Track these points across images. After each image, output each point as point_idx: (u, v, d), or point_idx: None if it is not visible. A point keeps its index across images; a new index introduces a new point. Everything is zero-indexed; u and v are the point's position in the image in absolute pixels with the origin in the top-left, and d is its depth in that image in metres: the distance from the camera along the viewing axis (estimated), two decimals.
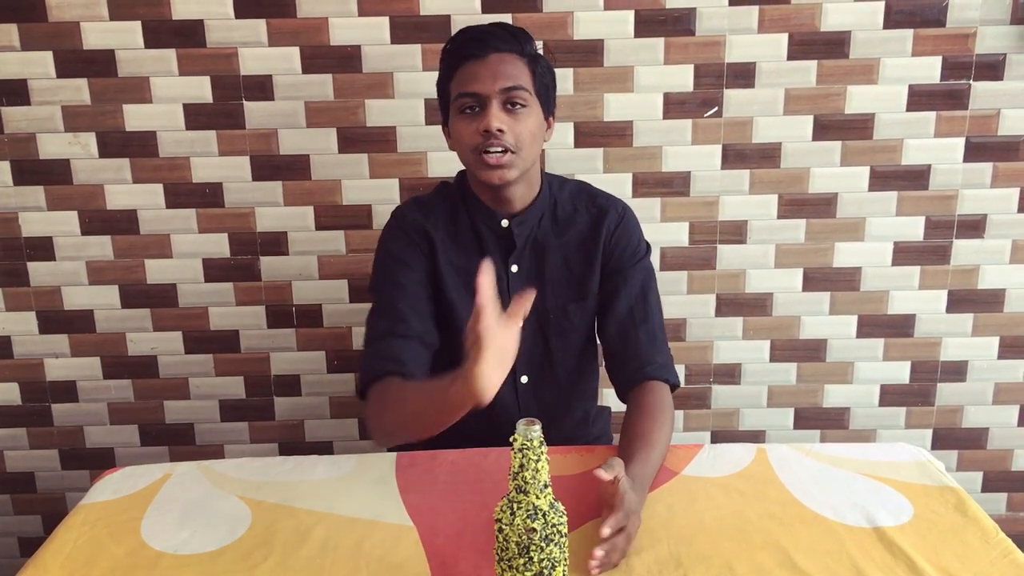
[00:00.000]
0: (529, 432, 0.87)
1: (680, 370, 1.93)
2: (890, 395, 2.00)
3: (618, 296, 1.43)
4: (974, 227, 1.88)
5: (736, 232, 1.89)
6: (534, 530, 0.87)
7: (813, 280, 1.91)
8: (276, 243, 1.87)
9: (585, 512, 1.14)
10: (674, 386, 1.39)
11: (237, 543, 1.11)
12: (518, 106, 1.32)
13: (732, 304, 1.93)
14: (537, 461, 0.87)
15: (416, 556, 1.07)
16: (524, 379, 1.48)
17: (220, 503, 1.21)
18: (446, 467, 1.30)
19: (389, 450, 1.56)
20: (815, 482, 1.24)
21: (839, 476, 1.26)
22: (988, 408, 2.00)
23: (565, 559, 0.90)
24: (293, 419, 1.98)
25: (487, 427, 1.40)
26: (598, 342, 1.50)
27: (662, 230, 1.88)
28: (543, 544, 0.88)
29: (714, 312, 1.94)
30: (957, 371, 1.98)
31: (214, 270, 1.89)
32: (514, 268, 1.43)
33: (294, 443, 1.99)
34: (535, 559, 0.88)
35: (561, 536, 0.89)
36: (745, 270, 1.91)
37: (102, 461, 1.99)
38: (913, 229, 1.88)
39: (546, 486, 0.89)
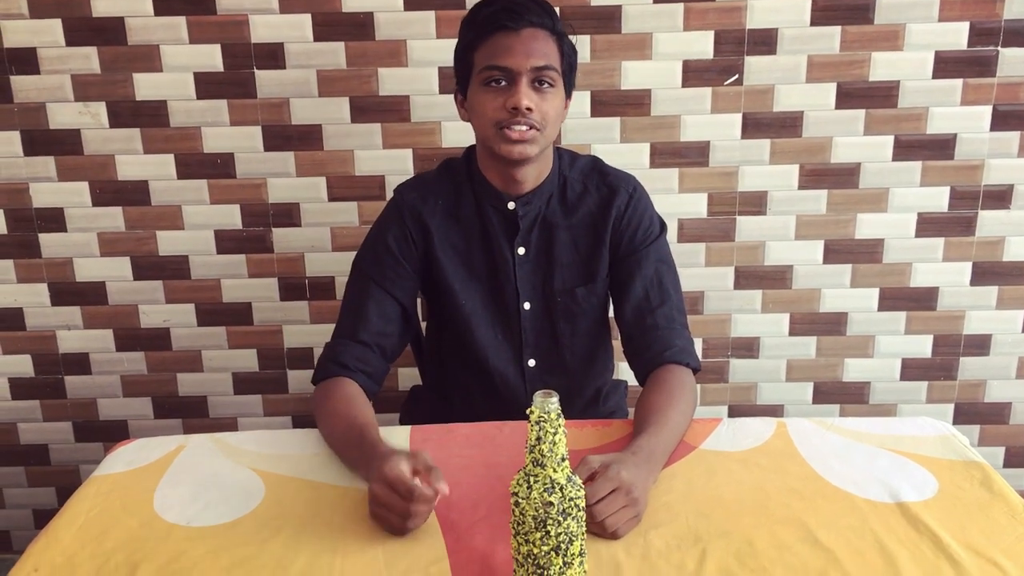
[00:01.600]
0: (546, 404, 0.85)
1: (697, 343, 1.91)
2: (912, 369, 1.97)
3: (633, 280, 1.39)
4: (1000, 198, 1.84)
5: (756, 203, 1.85)
6: (551, 504, 0.86)
7: (834, 252, 1.88)
8: (288, 214, 1.86)
9: None
10: (695, 369, 1.36)
11: (250, 515, 1.10)
12: (546, 85, 1.29)
13: (751, 277, 1.91)
14: (554, 434, 0.86)
15: (431, 530, 1.06)
16: (531, 362, 1.46)
17: (233, 475, 1.20)
18: (461, 440, 1.28)
19: (402, 423, 1.56)
20: (837, 457, 1.22)
21: (862, 451, 1.24)
22: (1011, 383, 1.97)
23: (583, 533, 0.89)
24: (307, 392, 1.97)
25: (495, 412, 1.39)
26: (615, 325, 1.47)
27: (680, 201, 1.85)
28: (560, 518, 0.86)
29: (732, 285, 1.92)
30: (980, 345, 1.95)
31: (226, 242, 1.87)
32: (521, 250, 1.41)
33: (308, 416, 1.98)
34: (552, 533, 0.86)
35: (579, 510, 0.88)
36: (764, 242, 1.88)
37: (116, 433, 1.99)
38: (937, 200, 1.85)
39: (563, 459, 0.87)
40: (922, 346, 1.95)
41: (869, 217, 1.86)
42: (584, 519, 0.90)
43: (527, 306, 1.43)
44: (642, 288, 1.39)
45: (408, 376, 1.95)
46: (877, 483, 1.15)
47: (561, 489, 0.86)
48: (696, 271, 1.90)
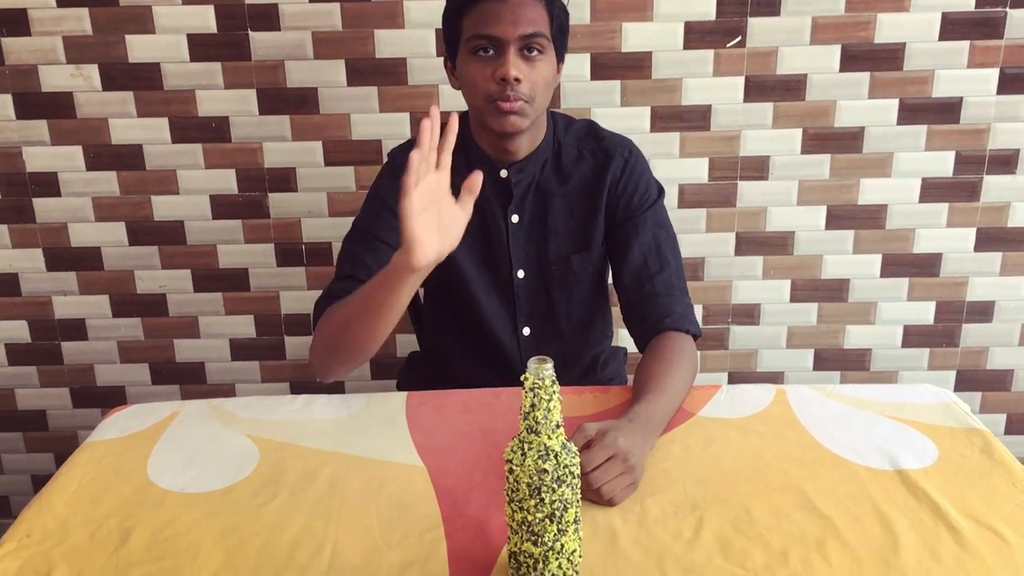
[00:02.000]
0: (541, 371, 0.84)
1: (697, 310, 1.89)
2: (913, 336, 1.96)
3: (631, 247, 1.37)
4: (1006, 162, 1.82)
5: (758, 168, 1.83)
6: (545, 471, 0.85)
7: (837, 218, 1.86)
8: (284, 179, 1.84)
9: None
10: (695, 336, 1.34)
11: (245, 482, 1.10)
12: (535, 52, 1.26)
13: (752, 243, 1.89)
14: (549, 401, 0.84)
15: (426, 496, 1.06)
16: (526, 331, 1.45)
17: (228, 442, 1.19)
18: (457, 407, 1.27)
19: (399, 389, 1.55)
20: (836, 424, 1.21)
21: (861, 418, 1.23)
22: (1014, 350, 1.96)
23: (577, 500, 0.88)
24: (304, 358, 1.97)
25: (492, 378, 1.38)
26: (614, 291, 1.45)
27: (680, 166, 1.83)
28: (555, 486, 0.85)
29: (733, 251, 1.90)
30: (983, 312, 1.93)
31: (222, 207, 1.85)
32: (514, 218, 1.39)
33: (305, 382, 1.98)
34: (546, 500, 0.85)
35: (573, 477, 0.87)
36: (766, 207, 1.86)
37: (113, 399, 1.99)
38: (942, 165, 1.82)
39: (558, 426, 0.86)
40: (924, 313, 1.94)
41: (872, 182, 1.83)
42: (579, 486, 0.89)
43: (520, 274, 1.42)
44: (640, 255, 1.37)
45: (406, 343, 1.94)
46: (877, 450, 1.14)
47: (556, 456, 0.85)
48: (696, 237, 1.88)
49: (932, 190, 1.84)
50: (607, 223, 1.40)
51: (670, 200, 1.83)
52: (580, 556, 0.90)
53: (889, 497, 1.04)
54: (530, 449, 0.86)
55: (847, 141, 1.80)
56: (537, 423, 0.85)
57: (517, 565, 0.89)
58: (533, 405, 0.85)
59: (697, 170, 1.83)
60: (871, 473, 1.10)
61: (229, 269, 1.90)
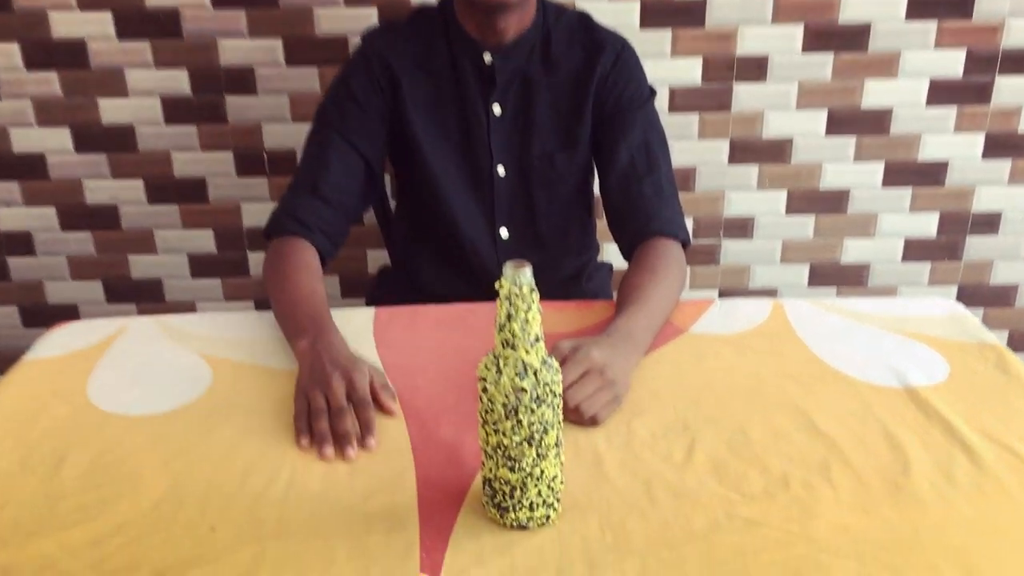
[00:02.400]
0: (517, 277, 0.75)
1: (688, 223, 1.82)
2: (914, 249, 1.89)
3: (618, 146, 1.29)
4: (1019, 61, 1.72)
5: (755, 69, 1.73)
6: (523, 390, 0.77)
7: (838, 123, 1.77)
8: (243, 80, 1.72)
9: None
10: (684, 243, 1.27)
11: (194, 404, 1.02)
12: None
13: (747, 150, 1.80)
14: (527, 311, 0.76)
15: (393, 421, 0.98)
16: (504, 233, 1.37)
17: (178, 361, 1.11)
18: (429, 323, 1.19)
19: (368, 304, 1.47)
20: (839, 340, 1.15)
21: (864, 333, 1.16)
22: (1020, 263, 1.89)
23: (558, 422, 0.81)
24: None
25: (467, 289, 1.32)
26: (599, 198, 1.37)
27: (672, 67, 1.72)
28: (533, 405, 0.78)
29: (727, 159, 1.81)
30: (988, 223, 1.86)
31: (175, 110, 1.74)
32: (496, 109, 1.30)
33: None
34: (524, 422, 0.78)
35: (554, 396, 0.79)
36: (763, 112, 1.76)
37: (65, 318, 1.89)
38: (953, 64, 1.72)
39: (537, 339, 0.78)
40: (927, 225, 1.86)
41: (877, 84, 1.74)
42: (560, 407, 0.81)
43: (501, 171, 1.33)
44: (628, 155, 1.29)
45: (377, 259, 1.85)
46: (882, 367, 1.08)
47: (535, 373, 0.78)
48: (688, 144, 1.79)
49: (940, 92, 1.75)
50: (594, 119, 1.31)
51: (660, 104, 1.73)
52: (562, 483, 0.83)
53: (897, 416, 0.98)
54: (506, 365, 0.78)
55: (851, 38, 1.70)
56: (514, 336, 0.77)
57: (492, 492, 0.82)
58: (509, 315, 0.77)
59: (690, 71, 1.73)
60: (877, 391, 1.03)
61: (185, 179, 1.79)
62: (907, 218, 1.86)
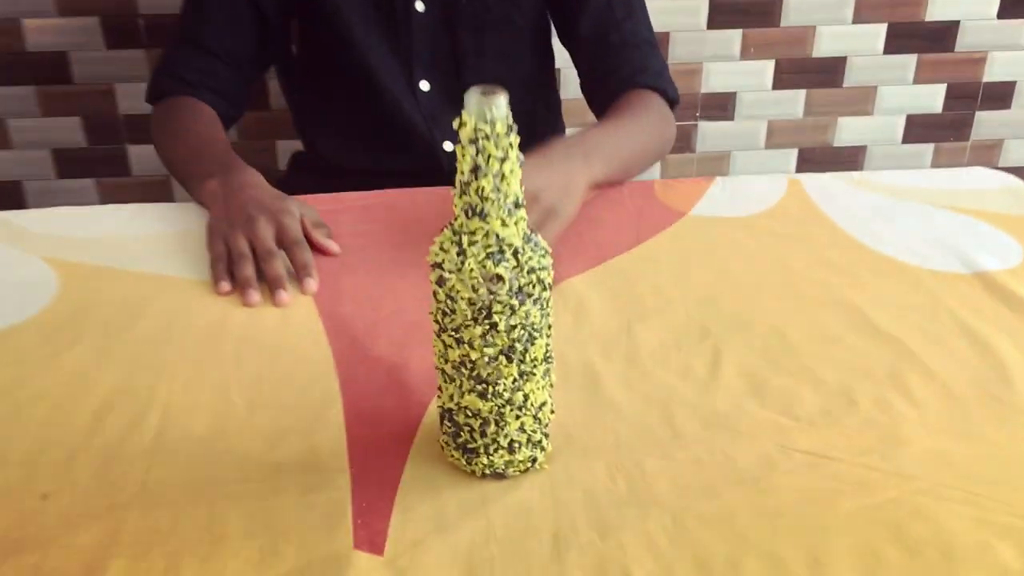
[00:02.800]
0: (488, 108, 0.51)
1: None
2: (917, 128, 1.70)
3: None
4: None
5: None
6: (499, 278, 0.53)
7: None
8: None
9: (569, 261, 0.83)
10: (673, 102, 1.11)
11: (34, 320, 0.77)
12: None
13: (729, 11, 1.56)
14: (502, 161, 0.52)
15: (310, 334, 0.75)
16: (424, 85, 1.14)
17: (13, 267, 0.85)
18: (356, 213, 0.95)
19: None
20: (880, 218, 0.94)
21: (911, 210, 0.96)
22: None
23: (548, 327, 0.58)
24: (158, 173, 1.59)
25: (392, 160, 1.13)
26: (562, 53, 1.17)
27: None
28: (514, 301, 0.54)
29: (705, 23, 1.57)
30: (1001, 96, 1.68)
31: None
32: None
33: None
34: (501, 326, 0.55)
35: (543, 288, 0.56)
36: None
37: None
38: None
39: (517, 205, 0.54)
40: (932, 98, 1.67)
41: None
42: (550, 303, 0.58)
43: (420, 7, 1.10)
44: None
45: (289, 151, 1.58)
46: (941, 248, 0.88)
47: (515, 254, 0.54)
48: (659, 4, 1.54)
49: None
50: None
51: None
52: (552, 411, 0.61)
53: (975, 309, 0.78)
54: (472, 244, 0.54)
55: None
56: (483, 199, 0.53)
57: (455, 430, 0.59)
58: (476, 169, 0.53)
59: None
60: (941, 278, 0.83)
61: (40, 53, 1.49)
62: (910, 91, 1.66)
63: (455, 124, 0.53)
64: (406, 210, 0.95)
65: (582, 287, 0.82)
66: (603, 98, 1.09)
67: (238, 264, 0.80)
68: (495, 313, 0.55)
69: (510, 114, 0.52)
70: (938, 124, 1.69)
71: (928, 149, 1.72)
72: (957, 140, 1.71)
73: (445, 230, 0.56)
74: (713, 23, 1.57)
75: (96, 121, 1.54)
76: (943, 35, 1.61)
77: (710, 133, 1.67)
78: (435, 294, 0.56)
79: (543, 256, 0.56)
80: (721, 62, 1.61)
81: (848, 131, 1.69)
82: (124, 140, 1.56)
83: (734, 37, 1.59)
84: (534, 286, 0.55)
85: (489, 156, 0.52)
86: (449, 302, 0.55)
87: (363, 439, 0.62)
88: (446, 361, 0.58)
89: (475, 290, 0.54)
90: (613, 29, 1.10)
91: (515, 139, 0.53)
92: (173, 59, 1.09)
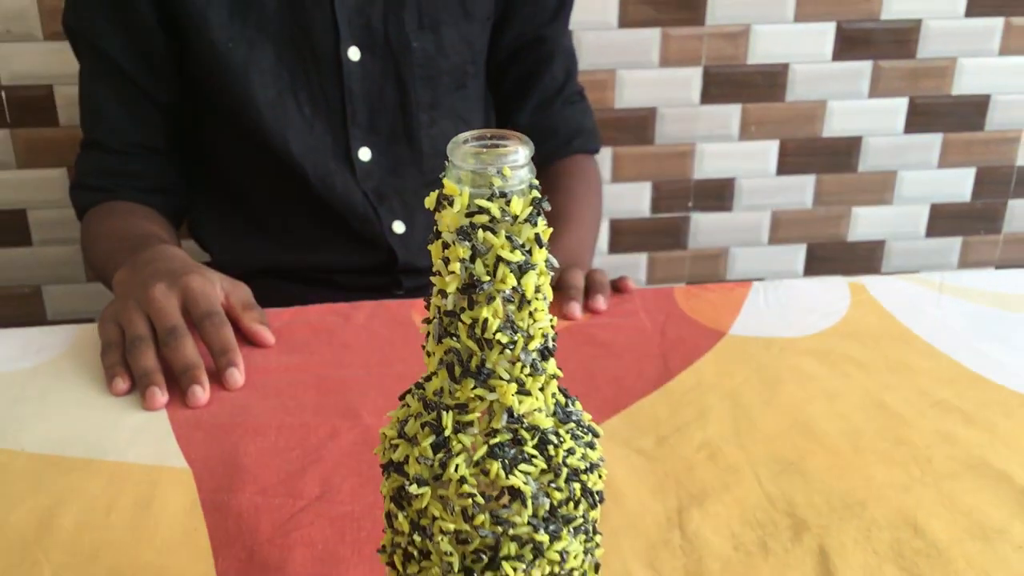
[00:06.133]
0: (498, 172, 0.27)
1: (646, 190, 1.41)
2: (942, 220, 1.51)
3: (553, 59, 1.06)
4: None
5: None
6: (516, 493, 0.29)
7: (849, 40, 1.38)
8: None
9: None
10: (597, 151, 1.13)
11: None
12: None
13: (726, 84, 1.38)
14: (524, 269, 0.28)
15: (189, 537, 0.49)
16: (364, 153, 0.95)
17: None
18: (276, 341, 0.70)
19: None
20: (988, 337, 0.72)
21: (1019, 325, 0.74)
22: None
23: (596, 569, 0.33)
24: (22, 284, 1.33)
25: (311, 245, 0.97)
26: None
27: None
28: (543, 537, 0.30)
29: (699, 97, 1.38)
30: None
31: None
32: None
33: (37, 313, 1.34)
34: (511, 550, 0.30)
35: (591, 506, 0.31)
36: (749, 26, 1.35)
37: None
38: None
39: (547, 355, 0.30)
40: (959, 185, 1.50)
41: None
42: (597, 524, 0.33)
43: (354, 55, 0.91)
44: (563, 68, 1.07)
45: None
46: None
47: (545, 446, 0.30)
48: (646, 76, 1.36)
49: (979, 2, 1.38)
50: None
51: (605, 13, 1.31)
52: None
53: None
54: (463, 430, 0.29)
55: None
56: (486, 346, 0.29)
57: None
58: (473, 286, 0.28)
59: None
60: None
61: None
62: (934, 176, 1.49)
63: (428, 202, 0.29)
64: (340, 333, 0.71)
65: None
66: (537, 160, 0.93)
67: (132, 351, 0.64)
68: (505, 560, 0.30)
69: (536, 182, 0.28)
70: (967, 214, 1.52)
71: (955, 243, 1.54)
72: (988, 233, 1.53)
73: (408, 398, 0.32)
74: (708, 97, 1.38)
75: None
76: (972, 111, 1.44)
77: (704, 226, 1.47)
78: (389, 518, 0.32)
79: (590, 446, 0.32)
80: (717, 143, 1.42)
81: (865, 223, 1.50)
82: None
83: (732, 114, 1.40)
84: (576, 504, 0.31)
85: (498, 262, 0.28)
86: (417, 538, 0.31)
87: None
88: None
89: (469, 518, 0.29)
90: (557, 95, 1.07)
91: (545, 230, 0.29)
92: (83, 169, 0.97)
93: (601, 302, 0.76)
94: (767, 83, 1.39)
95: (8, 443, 0.58)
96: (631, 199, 1.43)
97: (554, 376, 0.31)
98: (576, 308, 0.75)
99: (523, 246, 0.28)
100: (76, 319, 0.82)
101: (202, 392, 0.62)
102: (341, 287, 0.96)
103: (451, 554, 0.30)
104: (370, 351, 0.69)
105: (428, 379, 0.31)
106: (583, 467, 0.31)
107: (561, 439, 0.30)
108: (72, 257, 1.32)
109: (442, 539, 0.30)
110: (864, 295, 0.79)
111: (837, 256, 1.53)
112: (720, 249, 1.50)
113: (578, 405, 0.33)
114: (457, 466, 0.29)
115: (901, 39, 1.38)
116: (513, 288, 0.28)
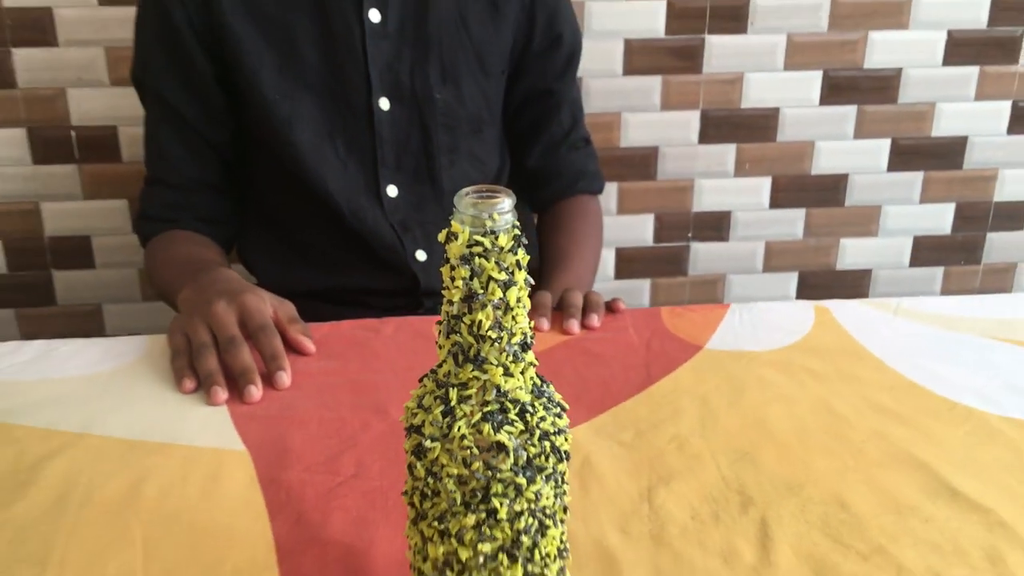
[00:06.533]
0: (488, 216, 0.39)
1: (648, 222, 1.51)
2: (925, 251, 1.60)
3: (560, 108, 1.15)
4: None
5: (734, 18, 1.42)
6: (501, 447, 0.40)
7: (836, 88, 1.48)
8: (37, 26, 1.31)
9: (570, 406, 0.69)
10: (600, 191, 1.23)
11: None
12: None
13: (723, 125, 1.48)
14: (507, 286, 0.40)
15: (247, 507, 0.60)
16: (392, 191, 1.04)
17: None
18: (315, 351, 0.81)
19: None
20: (931, 354, 0.82)
21: (967, 344, 0.84)
22: None
23: (564, 511, 0.44)
24: (83, 302, 1.45)
25: (347, 265, 1.05)
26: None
27: (629, 9, 1.40)
28: (522, 480, 0.40)
29: (697, 137, 1.49)
30: (1012, 216, 1.60)
31: None
32: (374, 16, 0.99)
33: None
34: (503, 514, 0.41)
35: (559, 460, 0.42)
36: (743, 74, 1.45)
37: None
38: (975, 13, 1.45)
39: (526, 347, 0.41)
40: (940, 219, 1.59)
41: (884, 36, 1.45)
42: (567, 475, 0.44)
43: (384, 105, 1.00)
44: (570, 116, 1.17)
45: None
46: (1011, 391, 0.76)
47: (524, 414, 0.41)
48: (649, 118, 1.46)
49: (961, 48, 1.47)
50: (519, 53, 1.10)
51: (611, 62, 1.42)
52: None
53: None
54: (464, 401, 0.41)
55: None
56: (480, 340, 0.40)
57: None
58: (470, 297, 0.40)
59: (651, 21, 1.41)
60: (1020, 427, 0.70)
61: None
62: (917, 211, 1.58)
63: (441, 237, 0.40)
64: (376, 348, 0.82)
65: (588, 439, 0.68)
66: (544, 198, 1.18)
67: (198, 356, 0.75)
68: (494, 496, 0.41)
69: (517, 223, 0.40)
70: (948, 246, 1.61)
71: (938, 273, 1.63)
72: (968, 263, 1.62)
73: (425, 380, 0.43)
74: (705, 137, 1.49)
75: (18, 244, 1.41)
76: (950, 151, 1.54)
77: (703, 255, 1.57)
78: (410, 468, 0.43)
79: (558, 416, 0.42)
80: (714, 179, 1.52)
81: (852, 253, 1.60)
82: (49, 267, 1.42)
83: (728, 152, 1.50)
84: (547, 457, 0.42)
85: (489, 280, 0.39)
86: (431, 481, 0.41)
87: None
88: (425, 559, 0.43)
89: (467, 465, 0.40)
90: (563, 140, 1.16)
91: (524, 256, 0.40)
92: (148, 202, 1.07)
93: (595, 320, 0.87)
94: (760, 125, 1.49)
95: (100, 430, 0.69)
96: (636, 229, 1.54)
97: (531, 364, 0.42)
98: (574, 324, 0.86)
99: (507, 269, 0.39)
100: (132, 334, 0.94)
101: (256, 391, 0.73)
102: (371, 307, 1.05)
103: (455, 492, 0.41)
104: (396, 358, 0.80)
105: (440, 365, 0.42)
106: (552, 430, 0.42)
107: (536, 409, 0.41)
108: (130, 279, 1.44)
109: (448, 481, 0.41)
110: (827, 316, 0.90)
111: (826, 283, 1.62)
112: (718, 276, 1.60)
113: (551, 387, 0.44)
114: (459, 427, 0.40)
115: (883, 86, 1.48)
116: (500, 298, 0.39)
